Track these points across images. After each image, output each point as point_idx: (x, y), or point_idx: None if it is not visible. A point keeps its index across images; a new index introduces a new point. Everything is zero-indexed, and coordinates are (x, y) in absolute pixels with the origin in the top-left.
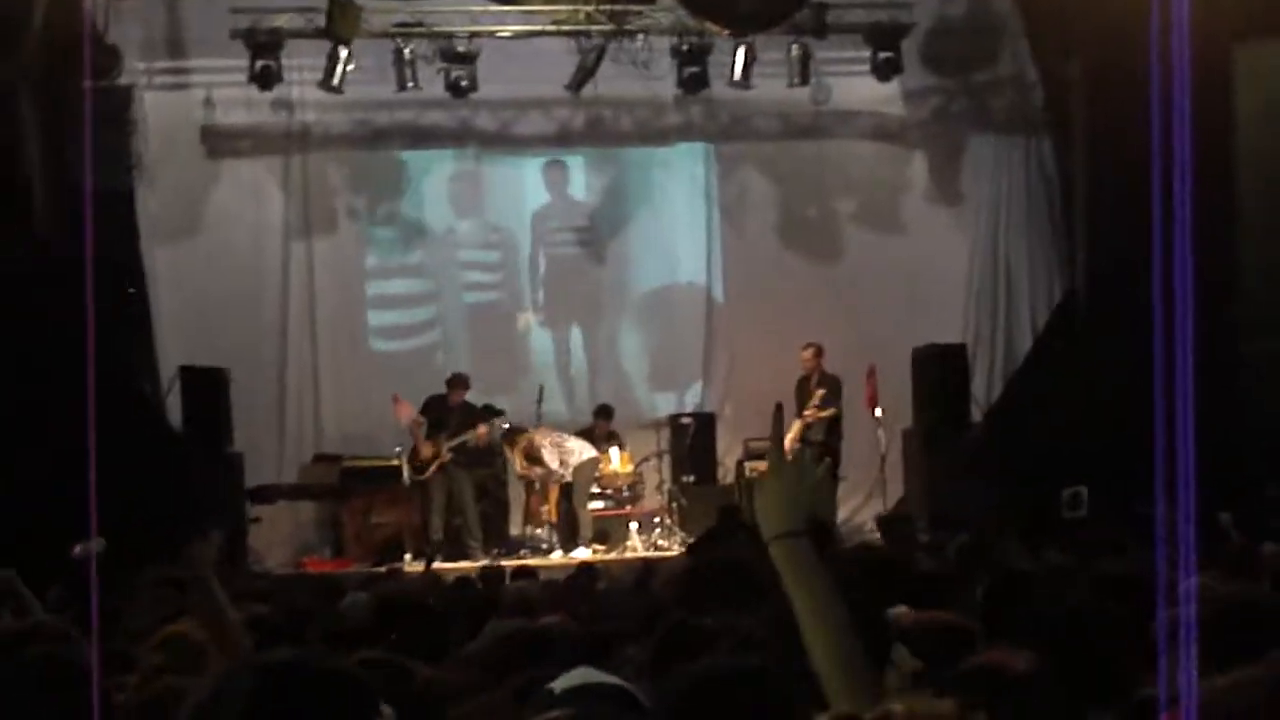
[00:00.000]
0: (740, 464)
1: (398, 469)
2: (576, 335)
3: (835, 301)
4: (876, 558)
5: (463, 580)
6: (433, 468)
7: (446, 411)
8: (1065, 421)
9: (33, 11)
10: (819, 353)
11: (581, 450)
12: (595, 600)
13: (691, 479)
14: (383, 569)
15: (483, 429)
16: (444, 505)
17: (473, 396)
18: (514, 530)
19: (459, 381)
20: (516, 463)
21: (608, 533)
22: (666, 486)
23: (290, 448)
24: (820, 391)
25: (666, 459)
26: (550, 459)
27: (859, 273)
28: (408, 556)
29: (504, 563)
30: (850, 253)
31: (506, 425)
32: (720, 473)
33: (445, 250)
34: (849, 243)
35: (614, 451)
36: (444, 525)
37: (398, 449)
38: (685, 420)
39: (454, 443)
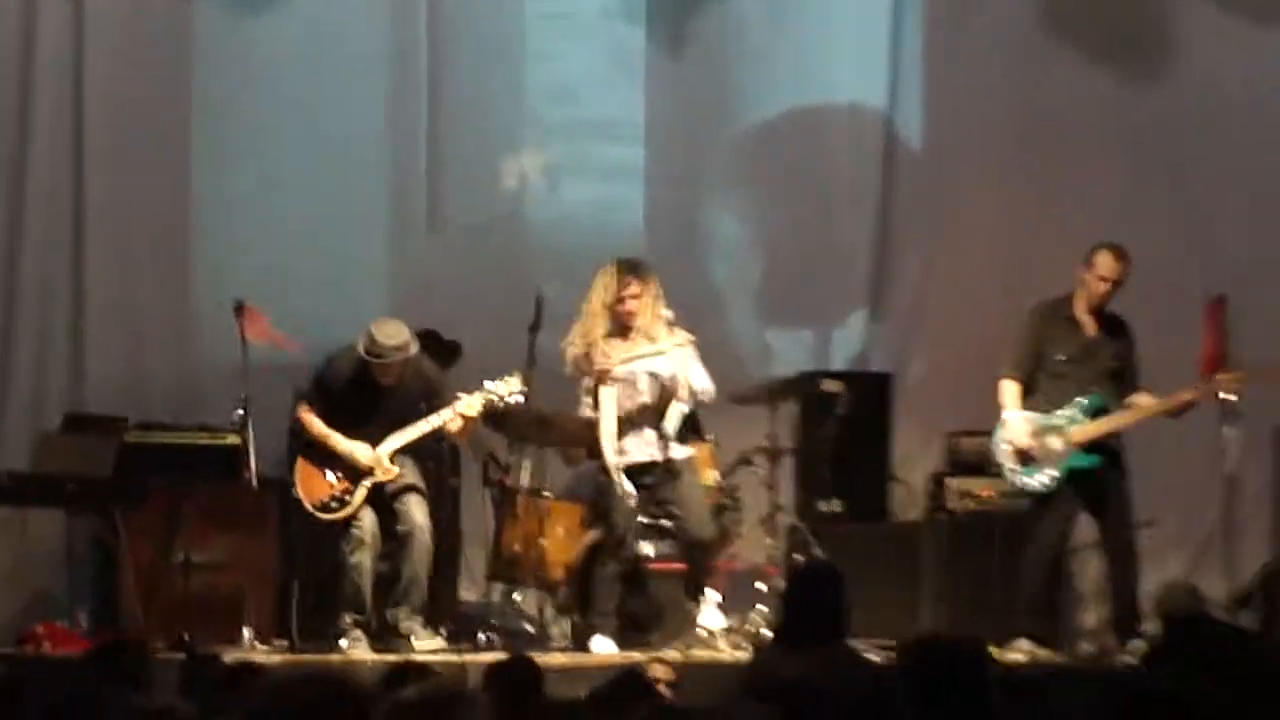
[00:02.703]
0: (938, 481)
1: (237, 452)
2: (606, 195)
3: (1151, 167)
4: None
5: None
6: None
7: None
8: None
9: None
10: (1125, 264)
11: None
12: None
13: (835, 505)
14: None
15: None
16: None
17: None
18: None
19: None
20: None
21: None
22: (784, 521)
23: (18, 403)
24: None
25: (789, 463)
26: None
27: (1206, 108)
28: (247, 634)
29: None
30: (1190, 68)
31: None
32: (896, 496)
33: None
34: (1190, 45)
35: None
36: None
37: (237, 412)
38: (830, 386)
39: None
